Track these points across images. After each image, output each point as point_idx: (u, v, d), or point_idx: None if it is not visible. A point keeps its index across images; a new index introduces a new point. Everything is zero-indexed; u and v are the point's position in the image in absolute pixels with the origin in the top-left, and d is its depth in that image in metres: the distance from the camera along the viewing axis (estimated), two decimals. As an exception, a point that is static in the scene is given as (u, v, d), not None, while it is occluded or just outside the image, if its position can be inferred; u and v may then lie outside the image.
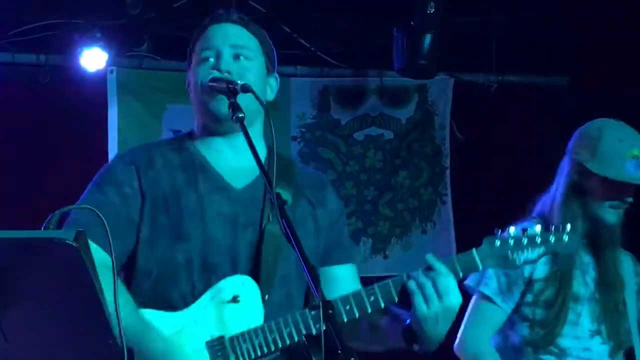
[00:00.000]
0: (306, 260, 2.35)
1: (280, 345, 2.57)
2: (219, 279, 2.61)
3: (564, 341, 3.52)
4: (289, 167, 2.81)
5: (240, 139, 2.57)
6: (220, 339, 2.57)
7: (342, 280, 2.80)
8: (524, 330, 3.56)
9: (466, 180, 6.11)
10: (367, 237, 6.05)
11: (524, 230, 2.63)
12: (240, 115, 2.52)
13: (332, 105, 6.02)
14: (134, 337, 2.33)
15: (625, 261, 3.65)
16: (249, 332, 2.58)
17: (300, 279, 2.66)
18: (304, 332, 2.55)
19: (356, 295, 2.60)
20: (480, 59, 5.91)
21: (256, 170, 2.62)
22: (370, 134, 6.09)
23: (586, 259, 3.57)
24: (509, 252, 2.62)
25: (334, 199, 2.87)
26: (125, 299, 2.44)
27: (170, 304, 2.59)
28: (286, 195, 2.67)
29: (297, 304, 2.72)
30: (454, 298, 2.55)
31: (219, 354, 2.56)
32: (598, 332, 3.53)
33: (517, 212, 3.65)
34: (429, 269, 2.57)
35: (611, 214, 3.49)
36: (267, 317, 2.61)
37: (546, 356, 3.52)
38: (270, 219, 2.67)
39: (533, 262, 2.63)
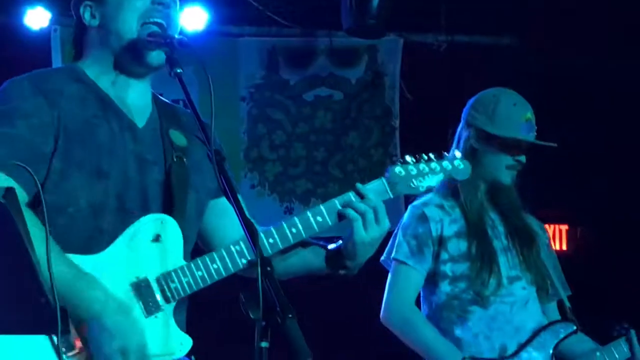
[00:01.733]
0: (245, 218, 2.35)
1: (208, 282, 2.57)
2: (135, 218, 2.57)
3: (487, 290, 3.63)
4: (174, 111, 2.78)
5: (145, 82, 2.65)
6: (145, 280, 2.54)
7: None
8: (446, 287, 3.68)
9: (416, 140, 6.11)
10: (317, 197, 6.05)
11: (422, 159, 2.78)
12: (179, 71, 2.50)
13: (281, 66, 5.99)
14: (69, 290, 2.33)
15: (531, 219, 3.85)
16: (175, 271, 2.56)
17: (198, 219, 2.72)
18: (231, 268, 2.58)
19: (279, 228, 2.65)
20: (430, 19, 5.90)
21: (148, 109, 2.68)
22: (319, 94, 6.08)
23: (493, 216, 3.75)
24: (413, 179, 2.76)
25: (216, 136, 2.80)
26: (55, 250, 2.38)
27: (85, 245, 2.53)
28: (181, 139, 2.69)
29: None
30: (387, 223, 2.68)
31: (146, 295, 2.53)
32: (517, 278, 3.67)
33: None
34: (360, 196, 2.66)
35: (506, 175, 3.73)
36: (185, 256, 2.61)
37: (472, 307, 3.63)
38: (175, 159, 2.66)
39: (433, 188, 2.80)
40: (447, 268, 3.67)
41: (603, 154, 6.13)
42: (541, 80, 5.57)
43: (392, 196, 2.74)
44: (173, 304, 2.56)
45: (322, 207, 2.68)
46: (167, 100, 2.80)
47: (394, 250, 3.72)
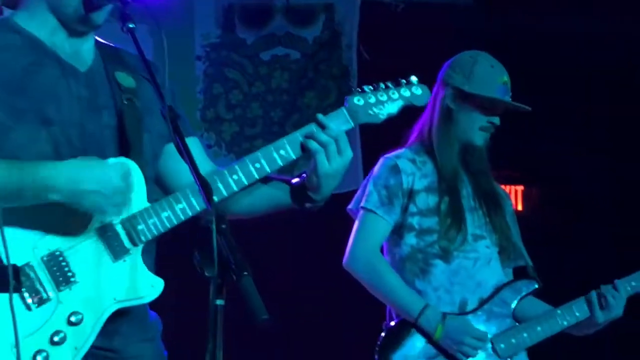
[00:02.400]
0: (199, 174, 2.33)
1: (174, 222, 2.54)
2: None
3: (452, 245, 3.66)
4: (117, 53, 2.72)
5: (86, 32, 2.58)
6: (110, 224, 2.51)
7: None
8: (411, 240, 3.71)
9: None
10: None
11: (380, 87, 2.75)
12: (132, 26, 2.46)
13: (237, 25, 5.92)
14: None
15: (496, 185, 3.91)
16: (140, 213, 2.53)
17: (154, 161, 2.69)
18: (196, 206, 2.55)
19: (243, 164, 2.63)
20: (387, -22, 5.87)
21: (91, 53, 2.61)
22: (276, 54, 6.03)
23: (463, 177, 3.79)
24: (372, 107, 2.72)
25: (166, 76, 2.74)
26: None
27: None
28: (129, 80, 2.64)
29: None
30: (350, 152, 2.65)
31: (113, 239, 2.51)
32: (482, 237, 3.69)
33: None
34: (322, 126, 2.64)
35: (479, 136, 3.77)
36: (148, 198, 2.58)
37: (435, 260, 3.66)
38: (126, 101, 2.61)
39: (394, 115, 2.76)
40: (415, 221, 3.70)
41: (559, 115, 6.17)
42: (498, 41, 5.57)
43: (353, 125, 2.71)
44: (141, 246, 2.54)
45: (284, 140, 2.67)
46: (109, 43, 2.73)
47: (364, 199, 3.74)
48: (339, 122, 2.68)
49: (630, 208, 6.21)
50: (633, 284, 3.73)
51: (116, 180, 2.45)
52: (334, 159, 2.62)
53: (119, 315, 2.52)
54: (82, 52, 2.62)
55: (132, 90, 2.64)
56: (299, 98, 6.10)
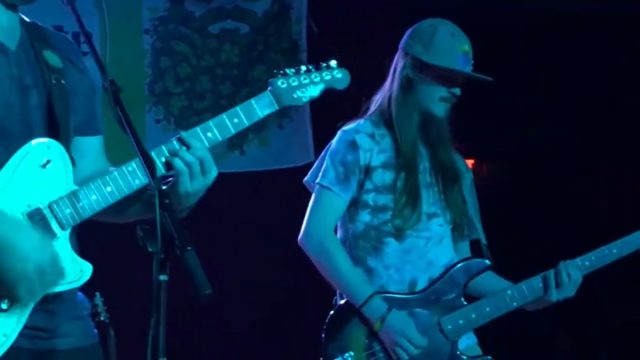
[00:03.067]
0: (143, 150, 2.31)
1: (103, 205, 2.50)
2: (18, 145, 2.46)
3: (406, 224, 3.65)
4: (43, 32, 2.65)
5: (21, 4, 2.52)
6: (38, 207, 2.47)
7: (95, 152, 2.71)
8: (365, 217, 3.69)
9: (323, 74, 6.08)
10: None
11: (301, 70, 2.75)
12: None
13: (186, -3, 5.89)
14: None
15: (457, 157, 3.84)
16: (68, 196, 2.49)
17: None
18: (125, 190, 2.52)
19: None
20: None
21: (17, 31, 2.54)
22: (225, 27, 5.98)
23: (422, 150, 3.74)
24: (296, 90, 2.72)
25: (90, 64, 2.68)
26: None
27: None
28: (55, 60, 2.57)
29: None
30: (214, 173, 2.59)
31: (41, 223, 2.46)
32: (435, 215, 3.68)
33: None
34: (186, 146, 2.57)
35: (440, 107, 3.70)
36: (75, 180, 2.54)
37: (388, 238, 3.65)
38: (54, 81, 2.55)
39: (316, 97, 2.75)
40: (370, 198, 3.68)
41: (509, 88, 6.19)
42: (454, 13, 5.57)
43: (278, 107, 2.71)
44: (69, 231, 2.50)
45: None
46: (35, 21, 2.66)
47: (321, 174, 3.70)
48: (263, 105, 2.68)
49: (582, 185, 6.27)
50: (587, 263, 3.72)
51: (56, 258, 2.41)
52: (197, 180, 2.56)
53: (51, 297, 2.48)
54: (9, 29, 2.56)
55: (59, 70, 2.58)
56: (249, 72, 6.06)
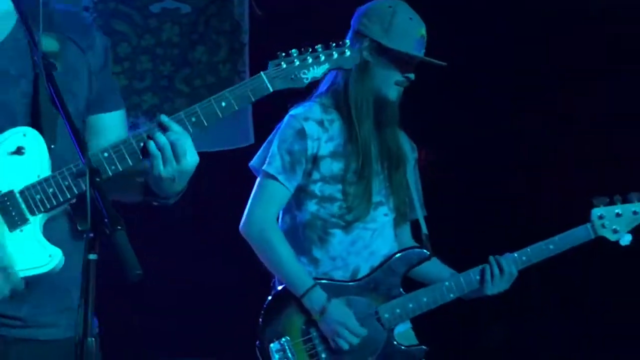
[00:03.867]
0: (74, 128, 2.29)
1: (75, 191, 2.46)
2: None
3: (353, 216, 3.62)
4: (47, 11, 2.59)
5: None
6: (9, 193, 2.45)
7: (113, 129, 2.71)
8: (312, 207, 3.68)
9: (265, 57, 6.04)
10: (163, 113, 5.92)
11: (307, 51, 2.65)
12: None
13: (126, -24, 5.82)
14: None
15: (403, 138, 3.78)
16: (39, 182, 2.47)
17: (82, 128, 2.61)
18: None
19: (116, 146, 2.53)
20: None
21: (12, 19, 2.51)
22: (166, 7, 5.91)
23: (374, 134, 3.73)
24: (296, 71, 2.63)
25: (99, 39, 2.70)
26: None
27: None
28: (52, 43, 2.54)
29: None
30: (191, 159, 2.54)
31: (11, 209, 2.44)
32: (381, 204, 3.67)
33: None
34: (163, 127, 2.55)
35: (394, 91, 3.69)
36: (55, 168, 2.52)
37: (334, 229, 3.64)
38: (46, 66, 2.48)
39: (319, 79, 2.67)
40: (317, 188, 3.66)
41: (448, 76, 6.21)
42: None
43: (271, 90, 2.62)
44: (39, 216, 2.47)
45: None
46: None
47: (267, 161, 3.65)
48: (256, 88, 2.60)
49: (522, 177, 6.31)
50: (524, 258, 3.76)
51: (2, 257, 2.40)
52: (170, 164, 2.52)
53: (28, 284, 2.46)
54: (7, 15, 2.54)
55: (54, 54, 2.53)
56: (190, 52, 6.02)
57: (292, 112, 3.71)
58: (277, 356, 3.56)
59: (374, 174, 3.70)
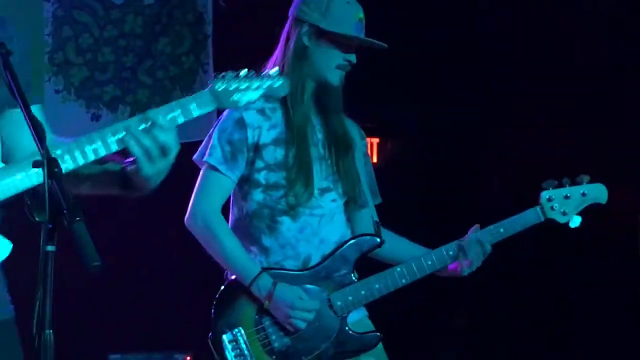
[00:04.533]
0: (33, 119, 2.26)
1: (13, 191, 2.42)
2: None
3: (298, 202, 3.65)
4: None
5: None
6: None
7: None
8: (258, 195, 3.66)
9: (227, 48, 6.04)
10: (126, 105, 5.89)
11: (241, 75, 2.69)
12: None
13: (88, -34, 5.77)
14: None
15: (350, 125, 3.84)
16: None
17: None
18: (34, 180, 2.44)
19: (80, 143, 2.49)
20: None
21: None
22: (129, -2, 5.90)
23: (315, 120, 3.74)
24: (233, 94, 2.66)
25: (16, 34, 2.66)
26: None
27: None
28: None
29: None
30: (175, 149, 2.56)
31: None
32: (328, 190, 3.69)
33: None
34: (147, 122, 2.51)
35: (335, 75, 3.70)
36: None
37: (282, 217, 3.64)
38: None
39: (254, 102, 2.71)
40: (261, 176, 3.65)
41: (414, 67, 6.23)
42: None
43: (215, 107, 2.64)
44: None
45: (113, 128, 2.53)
46: None
47: (208, 152, 3.65)
48: (201, 103, 2.60)
49: (486, 164, 6.34)
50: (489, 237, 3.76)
51: None
52: (158, 161, 2.52)
53: None
54: None
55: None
56: (153, 44, 5.98)
57: None
58: (229, 347, 3.55)
59: (319, 159, 3.70)
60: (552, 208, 3.78)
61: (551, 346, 5.98)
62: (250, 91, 2.69)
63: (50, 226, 2.10)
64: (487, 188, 6.28)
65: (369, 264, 3.74)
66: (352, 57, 3.71)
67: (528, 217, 3.78)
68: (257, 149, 3.63)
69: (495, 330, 6.09)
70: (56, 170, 2.15)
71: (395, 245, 3.84)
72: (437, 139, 6.34)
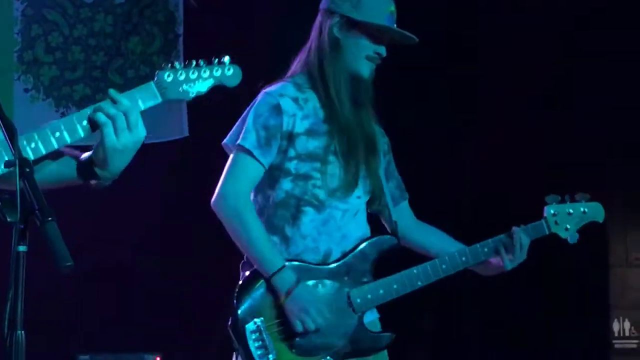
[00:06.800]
0: (2, 115, 2.26)
1: None
2: None
3: (325, 194, 3.64)
4: None
5: None
6: None
7: None
8: (287, 184, 3.63)
9: (200, 47, 6.02)
10: (95, 104, 5.86)
11: (191, 65, 2.71)
12: None
13: (58, -36, 5.75)
14: None
15: (375, 123, 3.83)
16: None
17: None
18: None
19: (42, 133, 2.52)
20: None
21: None
22: (99, -4, 5.88)
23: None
24: (182, 84, 2.67)
25: None
26: None
27: None
28: None
29: None
30: (142, 131, 2.59)
31: None
32: (355, 186, 3.67)
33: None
34: (113, 101, 2.56)
35: (366, 66, 3.69)
36: None
37: (307, 208, 3.62)
38: None
39: (203, 93, 2.71)
40: (292, 165, 3.62)
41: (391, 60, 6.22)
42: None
43: (160, 100, 2.64)
44: None
45: (73, 116, 2.60)
46: None
47: (242, 136, 3.60)
48: (145, 96, 2.62)
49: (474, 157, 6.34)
50: (486, 250, 3.81)
51: None
52: (123, 134, 2.55)
53: None
54: None
55: None
56: (123, 43, 5.95)
57: (267, 89, 3.67)
58: (252, 337, 3.52)
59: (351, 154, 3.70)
60: (555, 222, 3.87)
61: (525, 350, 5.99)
62: (200, 81, 2.69)
63: (22, 226, 2.10)
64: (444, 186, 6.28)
65: (383, 264, 3.76)
66: (382, 50, 3.70)
67: (536, 229, 3.86)
68: (290, 137, 3.59)
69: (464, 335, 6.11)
70: (28, 170, 2.15)
71: (434, 239, 3.88)
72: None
